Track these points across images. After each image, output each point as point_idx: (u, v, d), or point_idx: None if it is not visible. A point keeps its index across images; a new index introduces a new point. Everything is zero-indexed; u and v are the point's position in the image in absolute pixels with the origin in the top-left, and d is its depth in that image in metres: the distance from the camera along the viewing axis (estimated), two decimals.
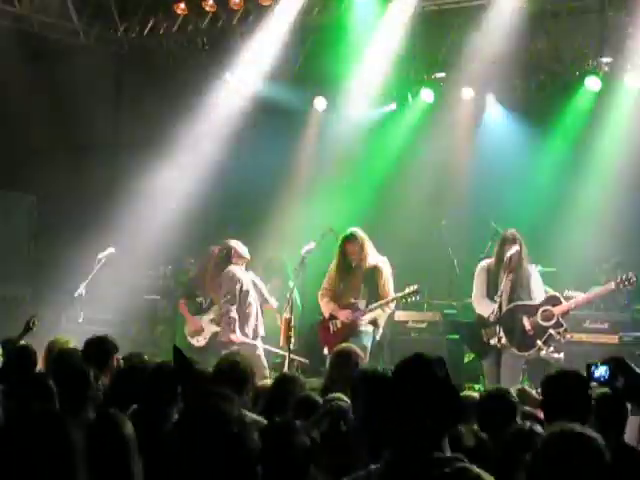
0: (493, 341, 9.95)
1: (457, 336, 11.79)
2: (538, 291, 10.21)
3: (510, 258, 9.98)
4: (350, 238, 10.74)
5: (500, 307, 9.87)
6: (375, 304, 10.57)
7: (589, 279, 12.21)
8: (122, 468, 3.67)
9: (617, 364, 4.50)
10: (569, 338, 10.84)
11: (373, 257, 10.74)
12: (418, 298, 11.04)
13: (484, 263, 10.44)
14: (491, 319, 9.98)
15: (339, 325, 10.70)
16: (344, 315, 10.64)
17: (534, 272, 10.29)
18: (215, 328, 11.90)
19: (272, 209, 14.68)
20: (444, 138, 14.82)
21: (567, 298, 10.40)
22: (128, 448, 3.78)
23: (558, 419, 4.66)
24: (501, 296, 9.89)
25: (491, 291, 10.18)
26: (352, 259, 10.70)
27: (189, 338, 12.17)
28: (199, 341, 12.15)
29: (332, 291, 10.86)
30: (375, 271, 10.65)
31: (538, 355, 10.12)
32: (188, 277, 13.41)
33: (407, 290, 10.68)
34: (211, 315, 12.16)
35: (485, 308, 10.20)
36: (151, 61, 14.93)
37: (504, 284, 10.03)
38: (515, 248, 10.02)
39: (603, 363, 4.56)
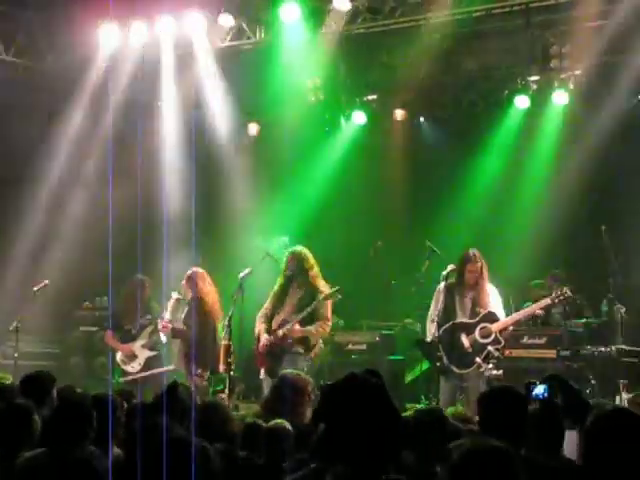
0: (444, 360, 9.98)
1: (401, 357, 11.77)
2: (498, 309, 10.26)
3: (469, 277, 10.07)
4: (294, 253, 10.77)
5: (439, 326, 9.92)
6: (303, 313, 10.53)
7: (524, 295, 12.33)
8: None
9: (556, 382, 4.53)
10: (507, 354, 10.92)
11: (318, 279, 10.75)
12: (340, 296, 10.90)
13: (443, 284, 10.35)
14: (431, 339, 10.01)
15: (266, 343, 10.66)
16: (263, 341, 10.63)
17: (493, 291, 10.32)
18: (149, 353, 12.01)
19: (206, 236, 14.60)
20: (377, 159, 14.91)
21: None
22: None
23: (495, 436, 4.68)
24: (445, 316, 9.95)
25: (451, 311, 10.20)
26: (293, 275, 10.70)
27: (122, 365, 12.06)
28: (134, 367, 12.02)
29: (269, 310, 10.84)
30: (316, 293, 10.63)
31: (477, 372, 10.16)
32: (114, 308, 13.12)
33: (329, 290, 10.66)
34: (142, 341, 12.11)
35: (429, 330, 10.29)
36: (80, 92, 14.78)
37: (464, 302, 10.10)
38: (475, 267, 10.08)
39: (542, 381, 4.59)
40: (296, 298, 10.71)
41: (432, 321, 10.25)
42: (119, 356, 12.18)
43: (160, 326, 11.49)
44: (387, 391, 3.44)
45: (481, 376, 10.02)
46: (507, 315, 10.37)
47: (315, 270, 10.78)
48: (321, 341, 10.83)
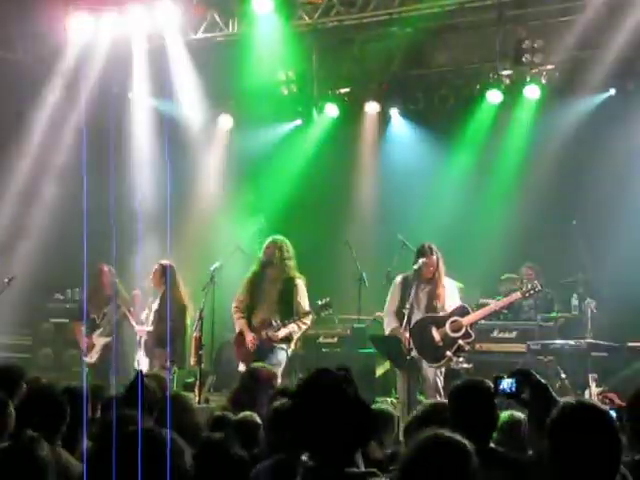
0: (414, 353, 9.96)
1: (372, 350, 11.75)
2: (453, 303, 10.21)
3: (425, 270, 10.02)
4: (275, 241, 10.78)
5: (409, 319, 9.89)
6: (290, 321, 10.53)
7: (494, 290, 12.38)
8: None
9: (524, 376, 4.54)
10: (478, 348, 10.97)
11: (294, 271, 10.75)
12: (331, 312, 11.01)
13: (399, 277, 10.39)
14: (400, 331, 9.98)
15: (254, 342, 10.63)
16: (250, 339, 10.58)
17: (449, 284, 10.32)
18: (105, 340, 11.92)
19: (178, 228, 14.56)
20: (349, 152, 14.92)
21: (482, 305, 10.52)
22: (45, 472, 3.67)
23: (465, 429, 4.70)
24: (410, 308, 9.91)
25: (405, 303, 10.09)
26: (269, 263, 10.68)
27: (83, 358, 11.95)
28: (92, 357, 11.92)
29: (246, 301, 10.81)
30: (292, 285, 10.63)
31: (448, 366, 10.18)
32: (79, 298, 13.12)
33: (320, 302, 10.67)
34: (101, 329, 12.06)
35: (388, 323, 10.27)
36: (51, 81, 14.68)
37: (419, 296, 10.06)
38: (431, 260, 10.05)
39: (510, 375, 4.59)
40: (275, 293, 10.67)
41: (388, 314, 10.28)
42: (80, 350, 12.14)
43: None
44: (355, 385, 3.45)
45: (437, 370, 10.01)
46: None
47: (293, 261, 10.79)
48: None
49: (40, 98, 14.57)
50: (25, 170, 14.76)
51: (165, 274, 11.35)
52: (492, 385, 5.02)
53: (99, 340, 12.00)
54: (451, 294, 10.26)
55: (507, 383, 4.56)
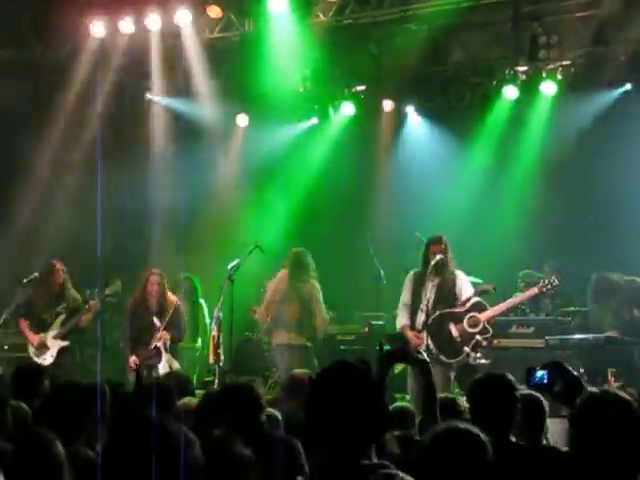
0: (422, 349, 9.98)
1: (390, 347, 11.72)
2: (465, 287, 10.28)
3: (435, 262, 10.04)
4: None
5: (427, 315, 9.93)
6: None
7: (513, 286, 12.37)
8: None
9: (556, 368, 4.56)
10: (496, 343, 10.97)
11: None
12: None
13: (412, 272, 10.47)
14: (419, 328, 10.01)
15: None
16: None
17: (461, 276, 10.34)
18: (61, 343, 11.67)
19: (195, 226, 14.63)
20: (366, 150, 14.94)
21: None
22: (60, 468, 3.71)
23: (485, 422, 4.72)
24: (427, 304, 9.94)
25: (418, 298, 10.20)
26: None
27: (34, 357, 11.54)
28: (45, 359, 11.54)
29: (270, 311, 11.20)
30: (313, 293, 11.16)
31: (466, 361, 10.19)
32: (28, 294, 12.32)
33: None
34: (54, 331, 11.74)
35: (400, 318, 10.37)
36: (69, 83, 14.74)
37: (429, 289, 10.10)
38: (440, 252, 10.08)
39: (542, 367, 4.61)
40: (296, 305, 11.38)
41: (401, 309, 10.39)
42: (31, 348, 11.74)
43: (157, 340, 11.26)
44: (373, 378, 3.48)
45: (444, 364, 10.02)
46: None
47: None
48: None
49: (57, 100, 14.63)
50: (42, 170, 14.84)
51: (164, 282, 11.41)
52: (512, 378, 5.06)
53: (55, 343, 11.70)
54: (464, 286, 10.28)
55: (540, 375, 4.57)
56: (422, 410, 4.71)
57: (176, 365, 11.15)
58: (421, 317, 10.12)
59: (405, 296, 10.39)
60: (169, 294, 11.51)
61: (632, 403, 3.66)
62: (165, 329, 11.22)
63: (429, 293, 10.05)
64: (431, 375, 4.64)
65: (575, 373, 4.51)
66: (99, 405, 5.46)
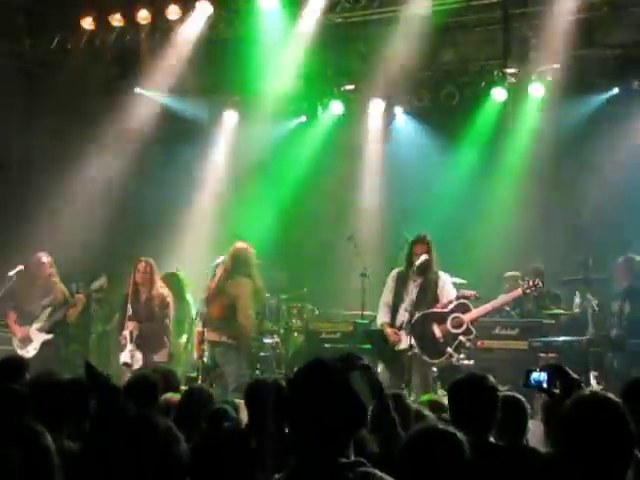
0: (403, 346, 9.99)
1: (369, 345, 11.70)
2: (448, 296, 10.26)
3: (420, 263, 10.04)
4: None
5: (411, 315, 9.94)
6: None
7: (498, 287, 12.40)
8: None
9: (556, 371, 4.58)
10: (480, 345, 11.00)
11: None
12: None
13: (395, 271, 10.49)
14: (403, 327, 10.03)
15: None
16: None
17: (444, 277, 10.33)
18: (45, 336, 11.65)
19: (180, 224, 14.64)
20: (354, 149, 14.95)
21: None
22: (51, 460, 3.71)
23: (465, 423, 4.75)
24: (412, 304, 9.94)
25: (399, 297, 10.22)
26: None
27: (17, 349, 11.53)
28: (28, 352, 11.51)
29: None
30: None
31: (449, 362, 10.21)
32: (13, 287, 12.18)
33: None
34: (39, 324, 11.73)
35: (380, 315, 10.38)
36: (59, 77, 14.72)
37: (411, 289, 10.10)
38: (424, 252, 10.08)
39: (542, 369, 4.63)
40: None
41: (381, 307, 10.37)
42: (15, 340, 11.75)
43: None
44: (348, 375, 3.49)
45: (424, 364, 10.02)
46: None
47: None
48: None
49: (48, 92, 14.62)
50: (34, 163, 14.85)
51: (151, 272, 11.33)
52: (492, 380, 5.08)
53: (38, 336, 11.70)
54: (447, 287, 10.27)
55: (539, 376, 4.59)
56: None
57: (137, 358, 11.08)
58: (404, 316, 10.14)
59: (387, 294, 10.40)
60: (157, 286, 11.42)
61: (620, 404, 3.69)
62: (138, 320, 11.16)
63: (411, 293, 10.06)
64: (374, 380, 4.68)
65: (575, 376, 4.53)
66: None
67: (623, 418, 3.62)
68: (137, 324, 11.10)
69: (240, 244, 11.19)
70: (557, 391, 4.55)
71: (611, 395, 3.75)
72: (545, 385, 4.58)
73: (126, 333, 11.06)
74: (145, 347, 11.16)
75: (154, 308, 11.24)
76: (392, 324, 10.25)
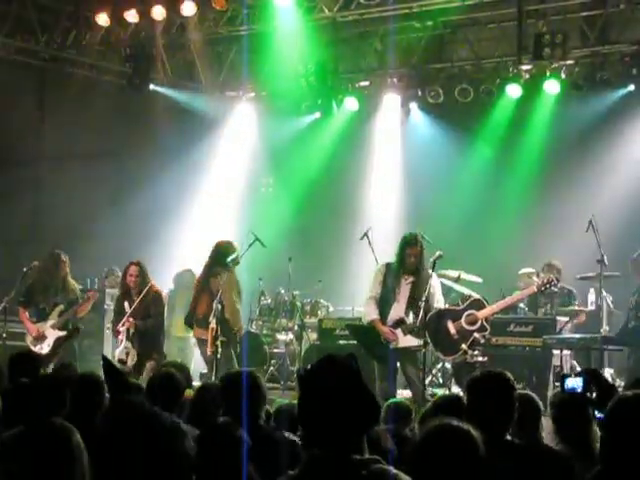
0: (402, 344, 9.87)
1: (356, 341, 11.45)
2: (437, 293, 10.06)
3: (408, 261, 9.87)
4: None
5: (425, 312, 9.84)
6: None
7: (513, 284, 12.37)
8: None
9: (592, 375, 4.57)
10: (494, 342, 10.98)
11: None
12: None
13: (382, 264, 10.28)
14: (416, 324, 9.89)
15: None
16: None
17: (435, 277, 10.07)
18: (59, 333, 11.69)
19: (195, 219, 14.67)
20: (369, 145, 14.95)
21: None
22: (80, 458, 3.70)
23: (482, 420, 4.74)
24: (426, 301, 9.84)
25: (388, 292, 10.04)
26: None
27: (31, 347, 11.51)
28: (42, 348, 11.54)
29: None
30: None
31: (463, 359, 10.20)
32: (27, 283, 12.23)
33: None
34: (52, 321, 11.77)
35: (369, 311, 10.09)
36: (73, 73, 14.75)
37: (402, 287, 9.94)
38: (416, 255, 9.88)
39: (578, 374, 4.62)
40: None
41: (368, 301, 10.12)
42: (28, 337, 11.78)
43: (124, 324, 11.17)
44: (360, 371, 3.49)
45: (415, 358, 9.87)
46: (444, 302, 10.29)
47: None
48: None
49: (63, 88, 14.66)
50: (47, 158, 14.91)
51: (142, 273, 11.35)
52: (511, 377, 5.06)
53: (52, 333, 11.73)
54: (436, 285, 10.05)
55: (574, 382, 4.57)
56: None
57: (132, 354, 11.11)
58: (397, 314, 9.95)
59: (375, 287, 10.11)
60: (150, 285, 11.38)
61: None
62: (133, 317, 11.21)
63: (404, 291, 9.92)
64: None
65: (610, 382, 4.52)
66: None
67: None
68: (133, 322, 11.16)
69: (222, 240, 11.20)
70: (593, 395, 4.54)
71: None
72: (580, 390, 4.56)
73: (123, 330, 11.12)
74: (141, 344, 11.21)
75: (149, 306, 11.30)
76: (383, 321, 10.03)
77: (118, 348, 11.16)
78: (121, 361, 10.96)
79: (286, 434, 5.43)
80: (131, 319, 11.14)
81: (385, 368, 9.79)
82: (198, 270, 11.94)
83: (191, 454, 3.12)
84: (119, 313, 11.34)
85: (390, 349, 9.80)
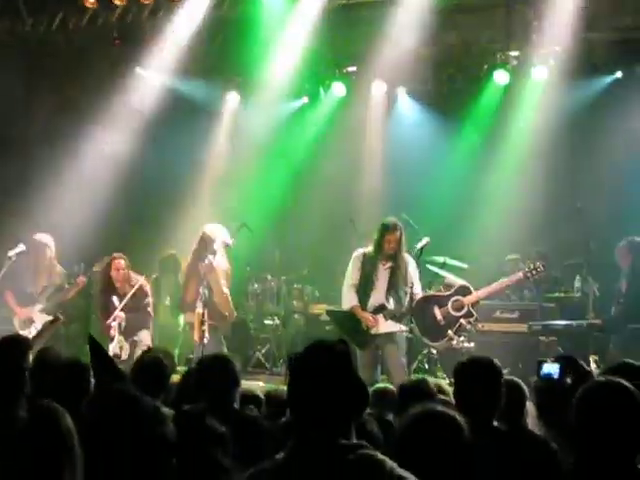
0: (382, 330, 9.85)
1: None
2: (415, 279, 10.04)
3: (387, 246, 9.84)
4: None
5: (412, 299, 9.88)
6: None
7: (499, 270, 12.39)
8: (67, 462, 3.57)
9: (568, 362, 4.58)
10: (480, 328, 11.01)
11: None
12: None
13: (360, 251, 10.20)
14: (399, 310, 9.88)
15: None
16: None
17: (411, 261, 10.10)
18: (47, 318, 11.46)
19: (184, 206, 14.62)
20: (356, 131, 14.92)
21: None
22: (72, 440, 3.69)
23: (469, 406, 4.75)
24: (411, 287, 9.86)
25: (366, 279, 10.00)
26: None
27: (19, 330, 11.49)
28: (31, 332, 11.32)
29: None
30: None
31: (449, 345, 10.22)
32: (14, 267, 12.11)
33: None
34: (41, 305, 11.84)
35: (348, 297, 10.05)
36: (61, 56, 14.69)
37: (380, 272, 9.92)
38: (395, 242, 9.85)
39: (554, 360, 4.62)
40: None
41: (348, 289, 10.07)
42: (16, 321, 11.83)
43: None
44: (350, 356, 3.49)
45: (397, 344, 9.86)
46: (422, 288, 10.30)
47: None
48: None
49: (47, 74, 14.59)
50: (35, 142, 14.84)
51: (126, 267, 11.38)
52: (498, 363, 5.07)
53: (40, 317, 11.72)
54: (413, 272, 10.04)
55: (551, 367, 4.58)
56: None
57: (125, 348, 11.13)
58: (377, 300, 9.96)
59: (354, 274, 10.08)
60: (133, 276, 11.46)
61: (634, 391, 3.69)
62: (123, 310, 11.20)
63: (382, 277, 9.91)
64: None
65: (587, 368, 4.53)
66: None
67: (636, 404, 3.63)
68: (124, 315, 11.17)
69: (209, 224, 11.17)
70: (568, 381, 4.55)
71: (626, 382, 3.75)
72: (556, 376, 4.57)
73: (115, 325, 11.12)
74: (132, 336, 11.25)
75: (136, 299, 11.30)
76: (362, 307, 10.00)
77: (111, 343, 11.14)
78: (116, 356, 10.96)
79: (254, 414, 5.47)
80: (122, 313, 11.16)
81: (366, 355, 9.79)
82: (182, 254, 11.96)
83: (171, 438, 3.12)
84: (105, 308, 11.33)
85: (371, 335, 9.81)
